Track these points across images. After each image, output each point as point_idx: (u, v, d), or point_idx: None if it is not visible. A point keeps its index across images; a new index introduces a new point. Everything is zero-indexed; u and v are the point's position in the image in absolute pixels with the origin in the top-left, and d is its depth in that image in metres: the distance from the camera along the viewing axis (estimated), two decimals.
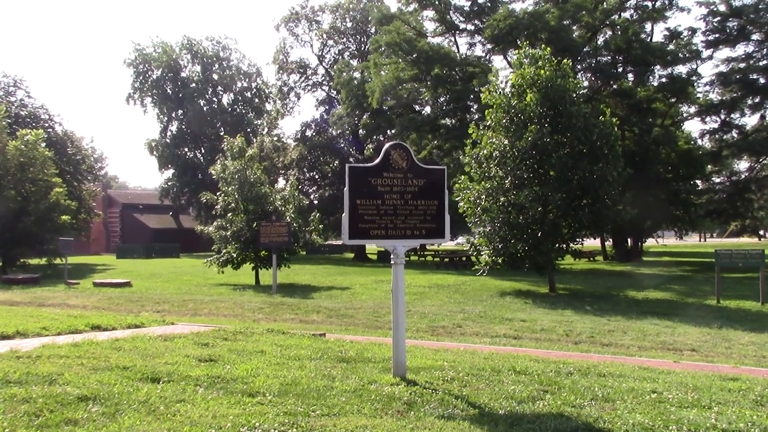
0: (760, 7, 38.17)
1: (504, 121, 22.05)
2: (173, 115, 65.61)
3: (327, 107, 63.12)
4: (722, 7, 39.53)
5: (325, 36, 61.78)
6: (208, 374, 6.58)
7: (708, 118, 44.18)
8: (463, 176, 23.09)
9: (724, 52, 41.93)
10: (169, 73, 64.43)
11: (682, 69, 41.49)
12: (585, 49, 40.26)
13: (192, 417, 4.97)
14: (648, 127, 38.89)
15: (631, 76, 42.88)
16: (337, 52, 62.86)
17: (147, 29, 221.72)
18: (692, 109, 45.36)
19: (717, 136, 44.74)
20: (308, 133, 63.36)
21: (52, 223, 32.73)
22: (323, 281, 27.19)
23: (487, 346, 10.80)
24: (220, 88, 67.42)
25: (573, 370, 7.51)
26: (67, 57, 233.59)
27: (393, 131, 48.30)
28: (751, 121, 45.90)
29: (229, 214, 26.62)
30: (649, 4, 41.19)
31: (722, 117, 43.06)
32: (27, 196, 32.18)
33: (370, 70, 45.26)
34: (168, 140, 65.35)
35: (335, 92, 57.74)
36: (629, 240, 45.92)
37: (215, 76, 66.36)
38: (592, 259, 44.14)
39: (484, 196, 21.92)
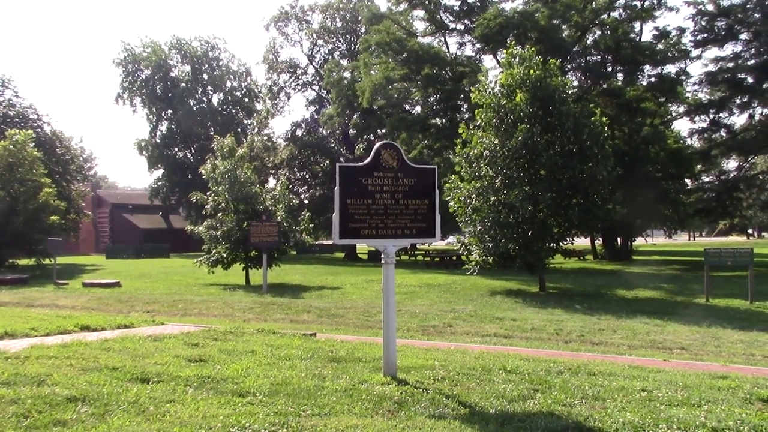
0: (747, 6, 38.38)
1: (494, 120, 22.09)
2: (163, 114, 65.36)
3: (317, 107, 63.17)
4: (710, 7, 39.73)
5: (315, 35, 61.77)
6: (198, 374, 6.56)
7: (697, 118, 44.35)
8: (453, 176, 23.11)
9: (713, 52, 42.30)
10: (158, 72, 64.16)
11: (671, 68, 41.75)
12: (575, 49, 40.47)
13: (182, 417, 4.96)
14: (637, 127, 39.10)
15: (620, 76, 43.06)
16: (327, 51, 62.89)
17: (136, 29, 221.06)
18: (681, 109, 45.54)
19: (706, 135, 44.91)
20: (298, 132, 63.39)
21: (41, 224, 32.60)
22: (314, 281, 27.16)
23: (478, 345, 10.80)
24: (209, 87, 67.23)
25: (563, 368, 7.52)
26: (55, 56, 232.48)
27: (383, 131, 48.38)
28: (739, 120, 46.20)
29: (219, 214, 26.57)
30: (638, 3, 41.33)
31: (711, 116, 43.21)
32: (16, 196, 32.05)
33: (360, 70, 45.29)
34: (158, 140, 65.08)
35: (325, 92, 57.75)
36: (619, 239, 46.06)
37: (205, 76, 66.15)
38: (582, 258, 44.26)
39: (474, 196, 21.95)
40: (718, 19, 39.55)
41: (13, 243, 32.16)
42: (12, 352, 7.76)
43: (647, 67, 40.92)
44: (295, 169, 61.73)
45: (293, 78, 64.92)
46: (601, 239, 47.44)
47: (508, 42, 25.41)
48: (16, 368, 6.61)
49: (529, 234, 21.52)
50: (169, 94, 63.89)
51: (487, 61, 57.49)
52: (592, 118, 22.42)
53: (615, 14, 41.62)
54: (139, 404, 5.31)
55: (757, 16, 38.40)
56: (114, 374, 6.50)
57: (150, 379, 6.33)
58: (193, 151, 65.51)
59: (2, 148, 31.78)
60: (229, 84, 68.35)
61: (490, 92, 22.64)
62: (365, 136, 55.58)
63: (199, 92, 66.48)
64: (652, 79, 41.22)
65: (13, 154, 32.08)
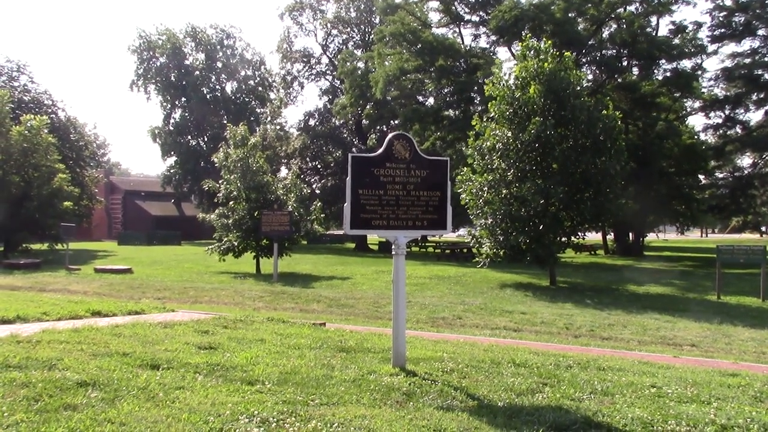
0: (766, 2, 38.03)
1: (507, 113, 21.98)
2: (176, 102, 65.41)
3: (330, 97, 63.07)
4: (728, 2, 39.43)
5: (329, 25, 61.61)
6: (207, 362, 6.59)
7: (712, 113, 44.16)
8: (465, 168, 23.05)
9: (730, 47, 41.89)
10: (173, 60, 64.17)
11: (687, 63, 41.46)
12: (590, 42, 40.17)
13: (191, 404, 4.98)
14: (652, 122, 38.86)
15: (635, 70, 42.78)
16: (341, 41, 62.73)
17: (151, 16, 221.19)
18: (696, 104, 45.29)
19: (721, 131, 44.67)
20: (311, 122, 63.42)
21: (55, 209, 32.76)
22: (324, 271, 27.21)
23: (487, 338, 10.80)
24: (223, 76, 67.20)
25: (572, 363, 7.51)
26: (70, 43, 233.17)
27: (396, 122, 48.25)
28: (755, 116, 46.12)
29: (231, 203, 26.64)
30: None
31: (726, 112, 42.98)
32: (30, 181, 32.20)
33: (374, 60, 45.19)
34: (171, 128, 65.17)
35: (339, 82, 57.65)
36: (631, 234, 45.88)
37: (219, 64, 66.13)
38: (593, 252, 44.17)
39: (486, 188, 21.89)
40: (736, 14, 39.25)
41: (26, 228, 32.36)
42: (24, 336, 7.81)
43: (663, 61, 40.61)
44: (308, 159, 61.72)
45: (307, 67, 64.84)
46: (612, 234, 47.32)
47: (524, 35, 25.25)
48: (27, 352, 6.66)
49: (541, 228, 21.46)
50: (183, 82, 63.92)
51: (502, 53, 57.11)
52: (604, 111, 22.28)
53: (631, 8, 41.27)
54: (149, 390, 5.34)
55: None
56: (124, 360, 6.53)
57: (160, 365, 6.36)
58: (206, 139, 65.54)
59: (17, 133, 31.90)
60: (243, 72, 68.33)
61: (504, 84, 22.55)
62: (378, 127, 55.47)
63: (213, 80, 66.48)
64: (668, 74, 40.92)
65: (27, 139, 32.19)
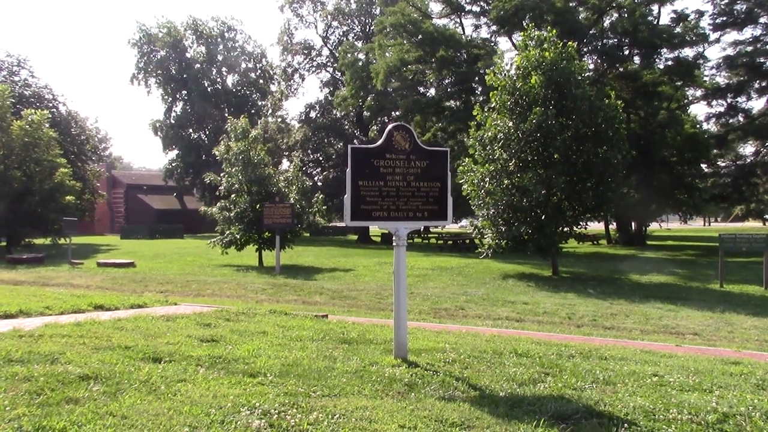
0: None
1: (509, 103, 21.95)
2: (177, 95, 65.36)
3: (331, 89, 63.01)
4: None
5: (329, 17, 61.49)
6: (209, 354, 6.59)
7: (714, 102, 44.04)
8: (467, 159, 23.02)
9: (732, 36, 41.99)
10: (173, 53, 64.08)
11: (688, 52, 41.32)
12: (591, 32, 40.02)
13: (192, 396, 4.98)
14: (653, 111, 38.72)
15: (637, 59, 42.62)
16: (341, 33, 62.64)
17: (152, 9, 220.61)
18: (698, 93, 45.18)
19: (723, 119, 44.56)
20: (312, 114, 63.38)
21: (57, 204, 32.82)
22: (326, 263, 27.21)
23: (490, 329, 10.80)
24: (224, 68, 67.12)
25: (575, 352, 7.51)
26: (71, 37, 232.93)
27: (397, 113, 48.20)
28: (757, 104, 45.96)
29: (233, 195, 26.61)
30: None
31: (728, 101, 42.88)
32: (32, 176, 32.22)
33: (375, 52, 45.10)
34: (172, 121, 65.15)
35: (340, 74, 57.58)
36: (633, 224, 45.84)
37: (220, 57, 66.01)
38: (595, 242, 44.15)
39: (488, 179, 21.87)
40: (738, 2, 39.12)
41: (28, 222, 32.45)
42: (26, 330, 7.82)
43: (664, 50, 40.47)
44: (309, 151, 61.75)
45: (307, 60, 64.75)
46: (615, 224, 47.27)
47: (525, 24, 25.15)
48: (30, 346, 6.66)
49: (543, 218, 21.46)
50: (184, 75, 63.84)
51: (503, 43, 57.02)
52: (606, 101, 22.23)
53: None
54: (151, 383, 5.34)
55: None
56: (126, 353, 6.54)
57: (162, 358, 6.37)
58: (207, 132, 65.50)
59: (18, 128, 31.90)
60: (243, 65, 68.22)
61: (505, 75, 22.50)
62: (379, 119, 55.40)
63: (214, 73, 66.40)
64: (669, 63, 40.79)
65: (29, 134, 32.20)
